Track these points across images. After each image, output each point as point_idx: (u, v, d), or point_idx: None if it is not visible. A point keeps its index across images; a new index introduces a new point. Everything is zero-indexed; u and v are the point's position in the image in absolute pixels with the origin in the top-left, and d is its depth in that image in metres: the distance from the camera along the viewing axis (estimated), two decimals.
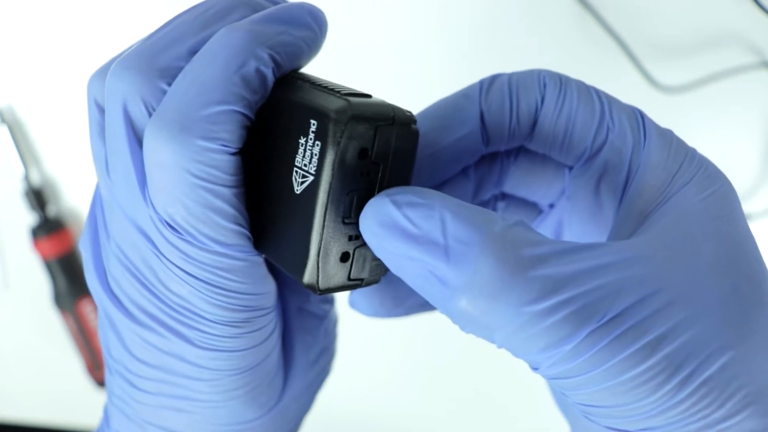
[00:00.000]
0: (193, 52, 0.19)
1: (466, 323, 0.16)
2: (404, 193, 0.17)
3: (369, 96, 0.19)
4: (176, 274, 0.19)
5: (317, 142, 0.17)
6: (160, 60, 0.18)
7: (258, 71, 0.18)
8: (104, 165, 0.20)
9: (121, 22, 0.45)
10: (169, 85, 0.18)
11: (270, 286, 0.21)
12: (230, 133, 0.18)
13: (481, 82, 0.21)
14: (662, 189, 0.19)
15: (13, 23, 0.46)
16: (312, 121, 0.18)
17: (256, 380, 0.21)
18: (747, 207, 0.46)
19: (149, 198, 0.18)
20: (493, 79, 0.21)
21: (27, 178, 0.49)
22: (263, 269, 0.20)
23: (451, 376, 0.52)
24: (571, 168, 0.22)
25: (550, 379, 0.17)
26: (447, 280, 0.16)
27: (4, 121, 0.48)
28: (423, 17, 0.44)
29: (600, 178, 0.21)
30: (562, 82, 0.21)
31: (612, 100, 0.21)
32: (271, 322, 0.21)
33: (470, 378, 0.52)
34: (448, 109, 0.21)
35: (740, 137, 0.45)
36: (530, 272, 0.15)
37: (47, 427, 0.59)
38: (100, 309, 0.21)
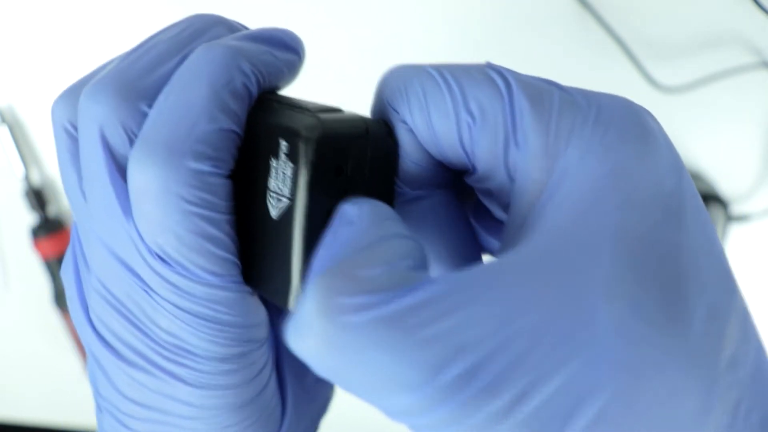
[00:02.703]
0: (170, 74, 0.18)
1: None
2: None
3: (340, 110, 0.18)
4: (166, 309, 0.17)
5: (289, 163, 0.16)
6: (140, 81, 0.17)
7: (244, 86, 0.17)
8: (79, 194, 0.19)
9: (121, 23, 0.45)
10: (149, 106, 0.17)
11: (262, 316, 0.19)
12: (224, 153, 0.17)
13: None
14: (547, 175, 0.15)
15: (13, 23, 0.46)
16: (282, 142, 0.17)
17: (255, 414, 0.20)
18: (747, 207, 0.46)
19: (136, 229, 0.17)
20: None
21: (27, 178, 0.49)
22: (255, 299, 0.19)
23: None
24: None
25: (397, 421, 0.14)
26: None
27: (4, 121, 0.48)
28: (421, 17, 0.44)
29: (483, 186, 0.18)
30: (402, 90, 0.17)
31: (462, 79, 0.17)
32: (264, 354, 0.20)
33: None
34: None
35: (740, 137, 0.45)
36: (346, 317, 0.13)
37: (47, 427, 0.59)
38: (85, 346, 0.20)
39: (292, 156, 0.16)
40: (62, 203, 0.51)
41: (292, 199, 0.17)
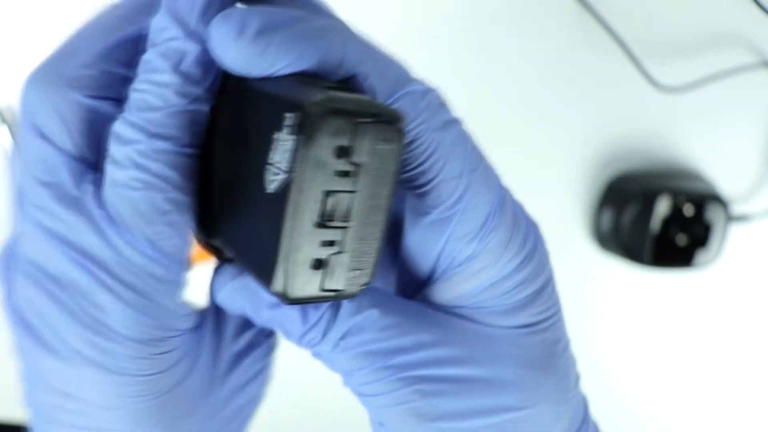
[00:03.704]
0: (102, 57, 0.19)
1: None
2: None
3: (353, 91, 0.17)
4: (101, 281, 0.18)
5: (291, 137, 0.16)
6: (68, 70, 0.19)
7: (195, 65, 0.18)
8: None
9: None
10: (84, 95, 0.19)
11: (187, 311, 0.20)
12: (179, 132, 0.18)
13: None
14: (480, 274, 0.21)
15: (13, 23, 0.46)
16: (287, 115, 0.16)
17: (170, 407, 0.21)
18: (746, 207, 0.46)
19: (97, 199, 0.18)
20: None
21: None
22: (182, 293, 0.20)
23: None
24: None
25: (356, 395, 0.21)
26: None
27: (4, 121, 0.48)
28: (420, 17, 0.44)
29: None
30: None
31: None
32: (183, 345, 0.21)
33: None
34: None
35: (740, 137, 0.45)
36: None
37: None
38: (15, 339, 0.21)
39: (295, 130, 0.16)
40: None
41: (289, 174, 0.16)
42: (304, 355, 0.21)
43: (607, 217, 0.45)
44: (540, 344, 0.21)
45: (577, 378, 0.23)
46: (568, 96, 0.44)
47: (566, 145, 0.45)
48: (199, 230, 0.20)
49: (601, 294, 0.47)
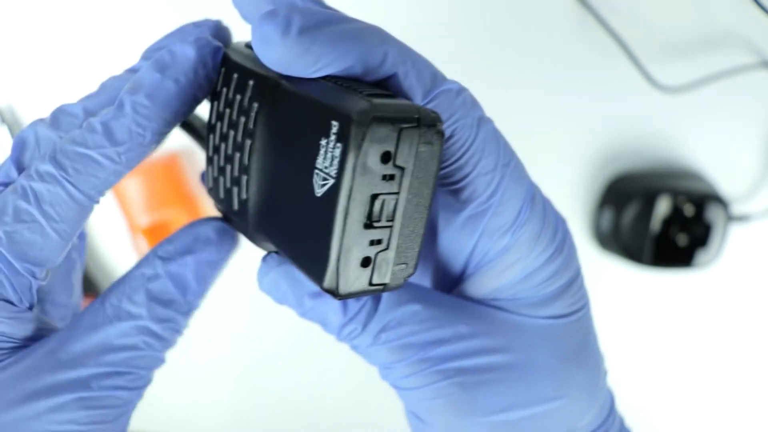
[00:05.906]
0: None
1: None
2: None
3: (393, 96, 0.18)
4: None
5: (338, 145, 0.17)
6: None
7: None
8: None
9: (120, 22, 0.45)
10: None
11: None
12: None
13: None
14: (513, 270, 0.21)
15: (13, 23, 0.46)
16: (333, 123, 0.17)
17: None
18: (747, 207, 0.46)
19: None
20: None
21: None
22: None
23: None
24: None
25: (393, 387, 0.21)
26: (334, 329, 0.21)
27: (4, 121, 0.48)
28: (420, 17, 0.44)
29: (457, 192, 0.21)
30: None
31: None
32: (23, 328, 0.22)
33: None
34: None
35: (740, 137, 0.45)
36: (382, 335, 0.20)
37: None
38: None
39: (343, 138, 0.17)
40: None
41: (338, 179, 0.17)
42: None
43: (607, 217, 0.45)
44: (572, 335, 0.22)
45: (605, 372, 0.23)
46: (568, 96, 0.44)
47: (566, 145, 0.45)
48: (243, 221, 0.21)
49: (601, 294, 0.47)
